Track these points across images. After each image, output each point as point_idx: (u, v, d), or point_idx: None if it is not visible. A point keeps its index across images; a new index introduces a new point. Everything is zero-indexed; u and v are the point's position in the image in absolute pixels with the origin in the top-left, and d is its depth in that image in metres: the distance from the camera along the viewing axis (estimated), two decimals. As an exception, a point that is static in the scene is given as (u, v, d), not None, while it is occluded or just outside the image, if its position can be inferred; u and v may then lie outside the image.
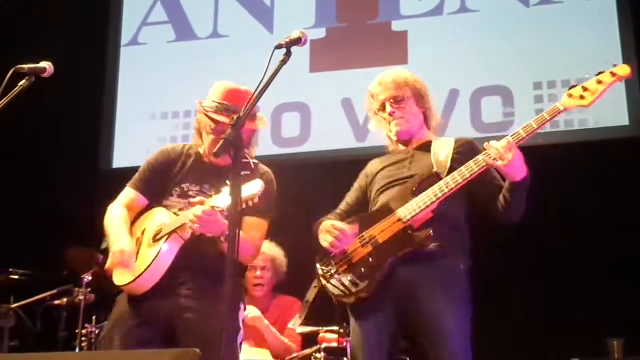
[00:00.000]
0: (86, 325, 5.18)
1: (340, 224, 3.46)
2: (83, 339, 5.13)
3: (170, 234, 3.32)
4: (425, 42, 6.47)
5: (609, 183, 5.69)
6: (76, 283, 5.28)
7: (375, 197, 3.61)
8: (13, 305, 5.46)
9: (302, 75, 6.56)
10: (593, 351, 4.98)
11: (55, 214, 6.70)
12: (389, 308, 3.36)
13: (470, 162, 3.32)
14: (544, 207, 5.50)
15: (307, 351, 4.76)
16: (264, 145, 6.33)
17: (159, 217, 3.45)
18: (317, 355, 4.64)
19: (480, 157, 3.30)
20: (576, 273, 5.59)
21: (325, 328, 4.67)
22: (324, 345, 4.66)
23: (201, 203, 3.23)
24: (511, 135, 3.26)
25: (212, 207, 3.22)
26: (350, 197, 3.79)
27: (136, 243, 3.43)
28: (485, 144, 3.29)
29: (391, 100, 3.63)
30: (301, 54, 2.87)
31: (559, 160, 5.57)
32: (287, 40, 2.79)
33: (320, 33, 6.71)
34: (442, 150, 3.53)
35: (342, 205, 3.77)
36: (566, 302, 5.52)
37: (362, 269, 3.39)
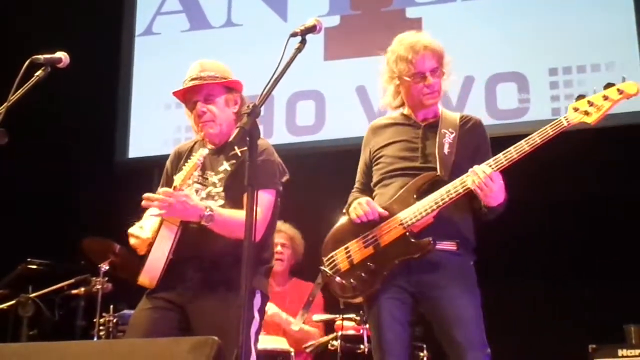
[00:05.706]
0: (104, 314, 5.20)
1: (376, 206, 3.38)
2: (101, 327, 5.15)
3: (161, 222, 3.32)
4: (440, 29, 6.37)
5: (627, 169, 5.65)
6: (94, 272, 5.30)
7: (386, 176, 3.51)
8: (32, 295, 5.48)
9: (316, 63, 6.54)
10: (611, 337, 4.97)
11: (72, 204, 6.73)
12: (405, 298, 3.36)
13: (464, 177, 3.25)
14: (562, 193, 5.48)
15: (325, 339, 4.78)
16: (279, 133, 6.46)
17: None
18: (335, 342, 4.65)
19: (467, 179, 3.24)
20: (594, 259, 5.56)
21: (342, 316, 4.68)
22: (340, 333, 4.67)
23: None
24: (502, 155, 3.22)
25: (174, 187, 3.19)
26: (362, 174, 3.68)
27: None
28: (471, 170, 3.23)
29: (432, 71, 3.48)
30: (315, 42, 2.85)
31: (577, 147, 5.52)
32: (302, 28, 2.79)
33: (334, 21, 6.70)
34: (447, 137, 3.45)
35: (358, 184, 3.68)
36: (584, 289, 5.50)
37: (363, 273, 3.38)
